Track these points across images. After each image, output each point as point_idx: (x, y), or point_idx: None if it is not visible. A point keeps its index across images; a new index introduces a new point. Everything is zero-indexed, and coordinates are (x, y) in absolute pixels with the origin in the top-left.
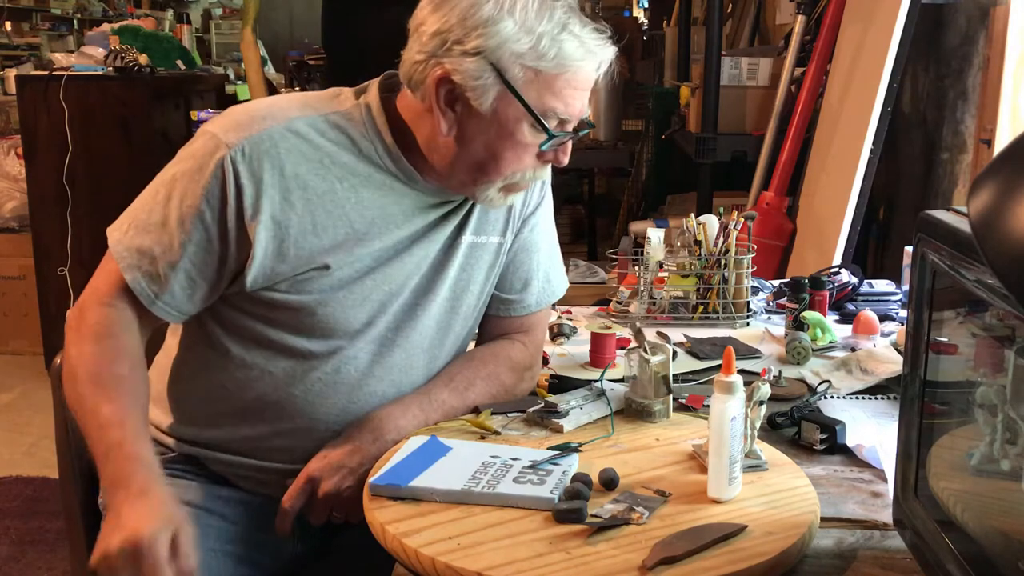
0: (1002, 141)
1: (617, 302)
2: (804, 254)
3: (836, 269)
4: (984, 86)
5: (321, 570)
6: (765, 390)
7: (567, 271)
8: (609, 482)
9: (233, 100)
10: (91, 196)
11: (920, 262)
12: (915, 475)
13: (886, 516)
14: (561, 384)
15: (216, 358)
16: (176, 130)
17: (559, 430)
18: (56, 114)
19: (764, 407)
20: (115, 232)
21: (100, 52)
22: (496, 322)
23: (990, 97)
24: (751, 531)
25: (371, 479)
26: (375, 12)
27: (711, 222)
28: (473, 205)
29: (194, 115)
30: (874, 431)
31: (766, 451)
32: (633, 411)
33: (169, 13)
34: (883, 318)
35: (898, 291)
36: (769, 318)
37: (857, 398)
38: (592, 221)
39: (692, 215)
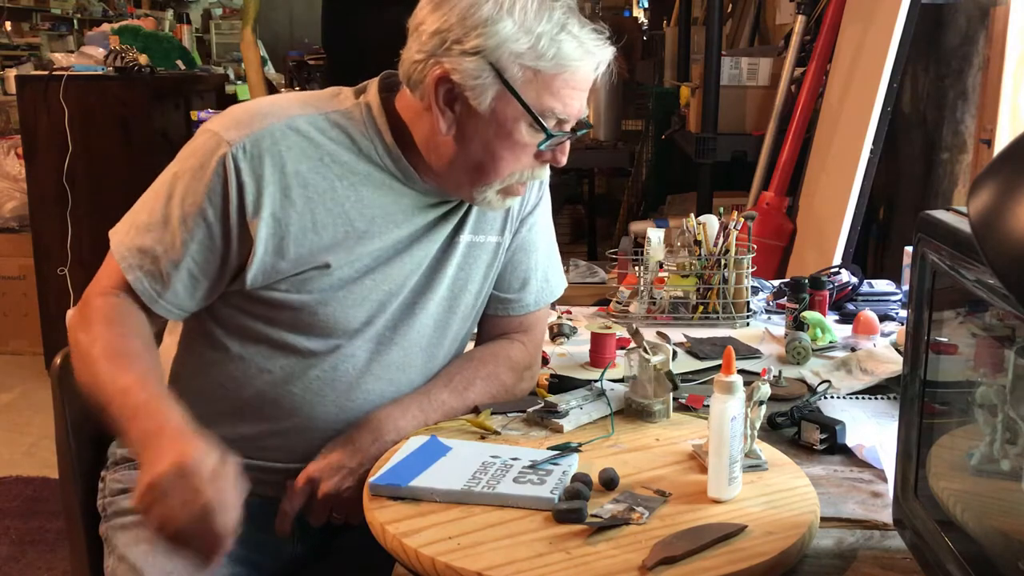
0: (1002, 141)
1: (617, 302)
2: (804, 254)
3: (836, 269)
4: (984, 86)
5: (321, 571)
6: (765, 390)
7: (567, 271)
8: (609, 482)
9: (233, 100)
10: (91, 196)
11: (920, 262)
12: (915, 475)
13: (886, 516)
14: (561, 384)
15: (215, 356)
16: (176, 130)
17: (559, 430)
18: (56, 114)
19: (764, 407)
20: (117, 234)
21: (100, 52)
22: (495, 322)
23: (990, 97)
24: (751, 531)
25: (371, 479)
26: (375, 12)
27: (711, 222)
28: (471, 204)
29: (194, 115)
30: (874, 431)
31: (766, 451)
32: (633, 411)
33: (169, 13)
34: (883, 318)
35: (898, 291)
36: (769, 318)
37: (857, 398)
38: (592, 221)
39: (692, 215)
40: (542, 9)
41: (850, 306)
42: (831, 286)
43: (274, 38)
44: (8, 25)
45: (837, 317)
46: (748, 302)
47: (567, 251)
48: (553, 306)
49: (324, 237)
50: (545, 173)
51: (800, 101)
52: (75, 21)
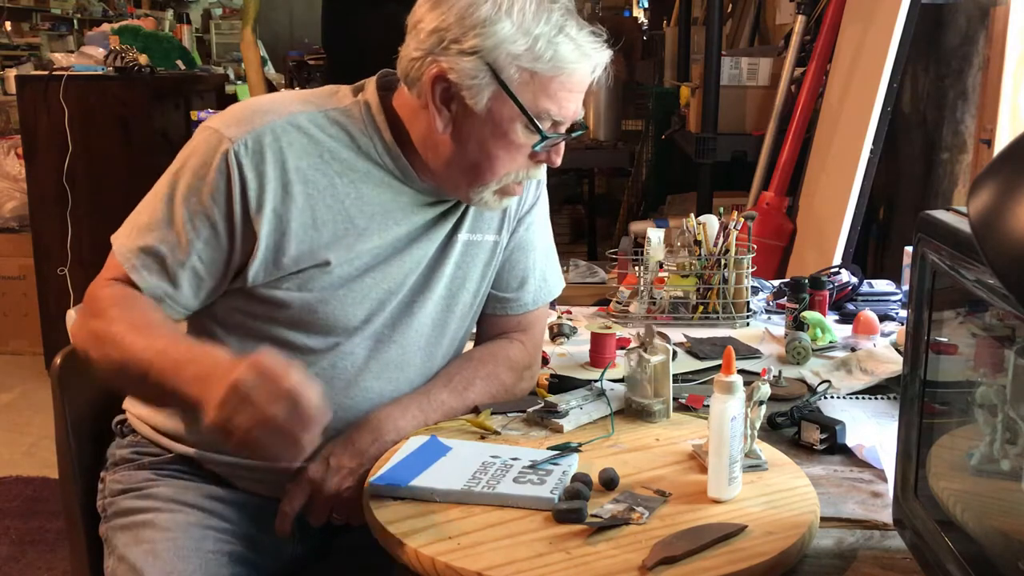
0: (1002, 141)
1: (617, 302)
2: (804, 254)
3: (836, 269)
4: (984, 86)
5: (321, 571)
6: (765, 390)
7: (567, 271)
8: (609, 482)
9: (233, 100)
10: (91, 196)
11: (920, 262)
12: (915, 475)
13: (886, 516)
14: (561, 384)
15: None
16: (176, 130)
17: (559, 430)
18: (56, 114)
19: (764, 407)
20: (118, 238)
21: (100, 52)
22: (494, 321)
23: (990, 97)
24: (751, 531)
25: (371, 479)
26: (375, 12)
27: (711, 222)
28: (469, 204)
29: (194, 115)
30: (874, 431)
31: (766, 451)
32: (633, 411)
33: (169, 13)
34: (883, 318)
35: (898, 291)
36: (769, 318)
37: (857, 398)
38: (592, 221)
39: (692, 215)
40: (540, 11)
41: (850, 306)
42: (831, 286)
43: (274, 38)
44: (8, 25)
45: (837, 317)
46: (748, 302)
47: (567, 251)
48: (553, 306)
49: (324, 234)
50: (540, 173)
51: (800, 101)
52: (75, 21)
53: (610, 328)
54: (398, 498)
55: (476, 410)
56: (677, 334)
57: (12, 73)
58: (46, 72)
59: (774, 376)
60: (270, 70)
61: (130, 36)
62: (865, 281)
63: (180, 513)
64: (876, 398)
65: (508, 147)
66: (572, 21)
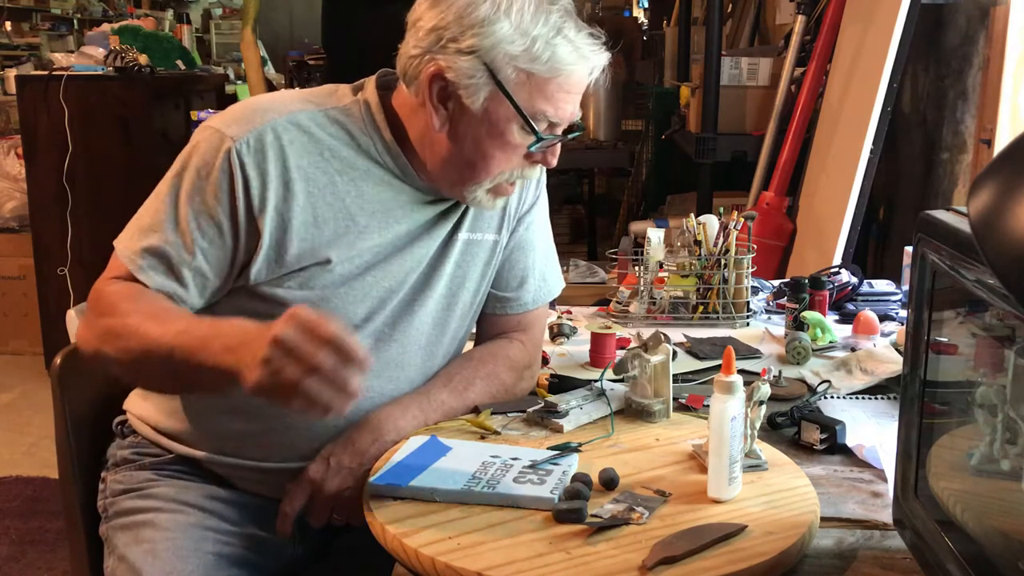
0: (1002, 141)
1: (617, 302)
2: (804, 254)
3: (836, 269)
4: (984, 86)
5: (321, 571)
6: (765, 390)
7: (567, 271)
8: (609, 482)
9: (233, 100)
10: (91, 196)
11: (920, 262)
12: (915, 475)
13: (886, 516)
14: (561, 384)
15: None
16: (176, 130)
17: (559, 430)
18: (56, 114)
19: (764, 407)
20: (121, 241)
21: (100, 52)
22: (493, 320)
23: (990, 97)
24: (751, 531)
25: (371, 479)
26: (375, 12)
27: (711, 222)
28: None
29: (194, 115)
30: (874, 431)
31: (766, 451)
32: (633, 411)
33: (169, 13)
34: (883, 318)
35: (898, 291)
36: (769, 318)
37: (857, 398)
38: (592, 221)
39: (692, 215)
40: (539, 12)
41: (850, 306)
42: (831, 286)
43: (274, 38)
44: (8, 25)
45: (837, 317)
46: (748, 302)
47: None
48: (553, 306)
49: (325, 232)
50: (535, 173)
51: (800, 101)
52: (75, 21)
53: (610, 328)
54: (398, 498)
55: (476, 410)
56: (677, 334)
57: (12, 73)
58: (46, 72)
59: (774, 376)
60: (270, 70)
61: (130, 36)
62: (865, 281)
63: (180, 514)
64: (876, 398)
65: (503, 147)
66: (571, 22)
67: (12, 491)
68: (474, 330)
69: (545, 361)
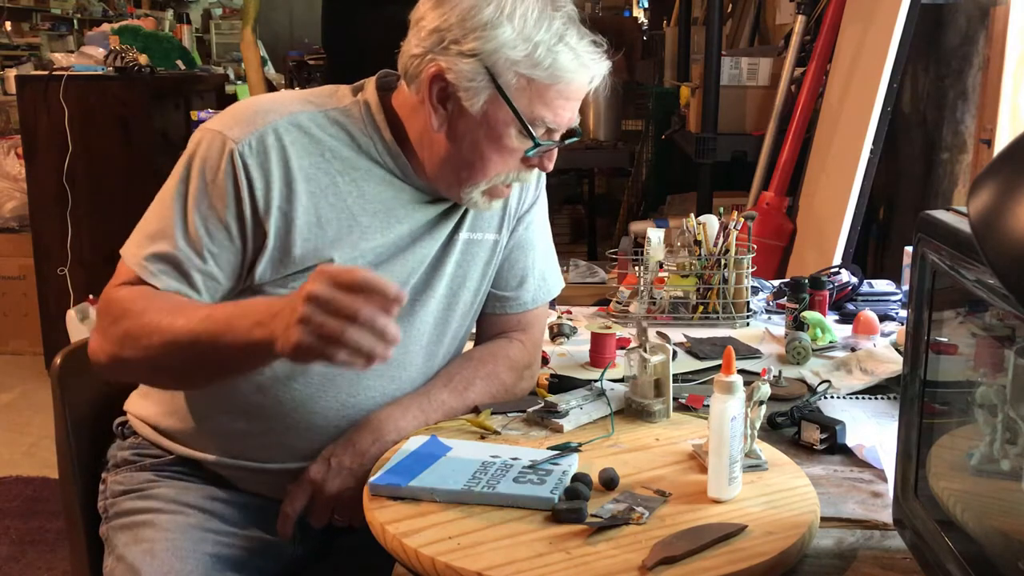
0: (1002, 141)
1: (617, 302)
2: (804, 254)
3: (836, 269)
4: (984, 86)
5: (321, 571)
6: (765, 390)
7: (567, 271)
8: (609, 482)
9: (233, 100)
10: (91, 196)
11: (920, 262)
12: (915, 475)
13: (886, 516)
14: (561, 384)
15: None
16: (176, 130)
17: (559, 430)
18: (56, 114)
19: (764, 407)
20: (129, 247)
21: (100, 52)
22: (493, 320)
23: (990, 97)
24: (751, 531)
25: (371, 479)
26: (375, 12)
27: (711, 222)
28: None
29: (194, 115)
30: (874, 431)
31: (766, 451)
32: (633, 411)
33: (169, 13)
34: (883, 318)
35: (898, 291)
36: (769, 318)
37: (857, 398)
38: (592, 221)
39: (692, 215)
40: (542, 18)
41: (850, 306)
42: (831, 286)
43: (274, 38)
44: (8, 25)
45: (837, 317)
46: (748, 302)
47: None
48: (553, 306)
49: (328, 232)
50: (532, 176)
51: (800, 101)
52: (75, 21)
53: (610, 328)
54: (398, 498)
55: (476, 410)
56: (677, 334)
57: (12, 73)
58: (46, 72)
59: (774, 376)
60: (270, 70)
61: (130, 36)
62: (865, 281)
63: (180, 515)
64: (876, 398)
65: (501, 150)
66: (574, 29)
67: (12, 491)
68: (474, 330)
69: (545, 361)
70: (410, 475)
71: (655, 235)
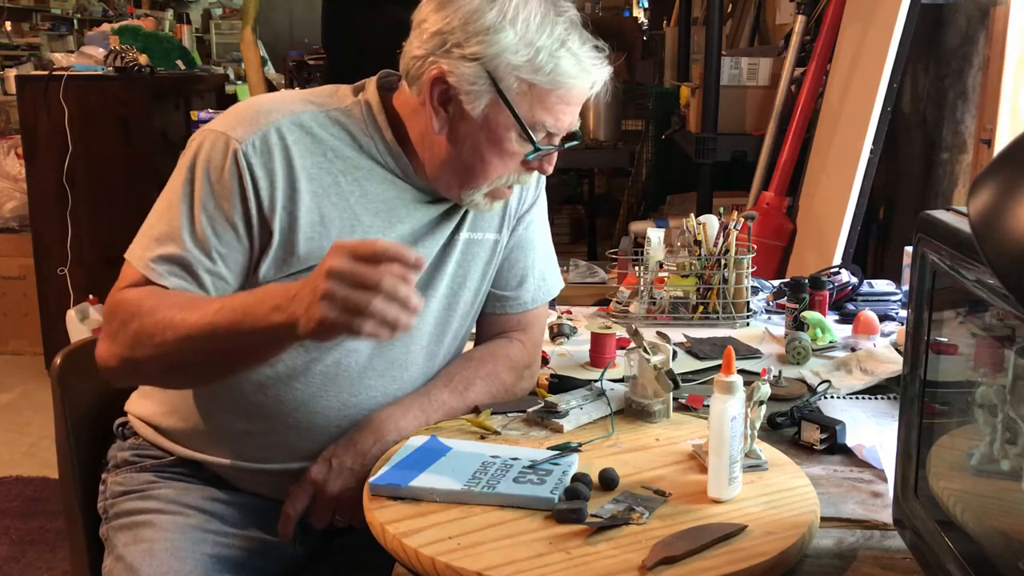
0: (1002, 141)
1: (617, 302)
2: (804, 254)
3: (836, 269)
4: (984, 86)
5: (321, 571)
6: (765, 390)
7: (567, 271)
8: (609, 482)
9: (233, 100)
10: (91, 196)
11: (920, 262)
12: (915, 475)
13: (886, 516)
14: (561, 384)
15: None
16: (176, 130)
17: (559, 430)
18: (56, 114)
19: (764, 407)
20: (135, 250)
21: (100, 52)
22: (493, 320)
23: (990, 97)
24: (751, 531)
25: (371, 479)
26: (375, 12)
27: (711, 222)
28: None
29: (194, 115)
30: (874, 431)
31: (766, 451)
32: (633, 411)
33: (169, 13)
34: (883, 318)
35: (898, 291)
36: (769, 318)
37: (857, 398)
38: (592, 221)
39: (692, 215)
40: (545, 23)
41: (850, 306)
42: (831, 286)
43: (274, 38)
44: (8, 25)
45: (837, 317)
46: (748, 302)
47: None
48: (553, 306)
49: (331, 231)
50: (532, 178)
51: (800, 101)
52: (75, 21)
53: (610, 328)
54: (398, 498)
55: (476, 410)
56: (677, 334)
57: (12, 73)
58: (46, 72)
59: (774, 376)
60: (270, 70)
61: (130, 36)
62: (865, 281)
63: (180, 516)
64: (876, 398)
65: (501, 154)
66: (576, 35)
67: (12, 491)
68: (474, 330)
69: (545, 361)
70: (410, 475)
71: (655, 235)
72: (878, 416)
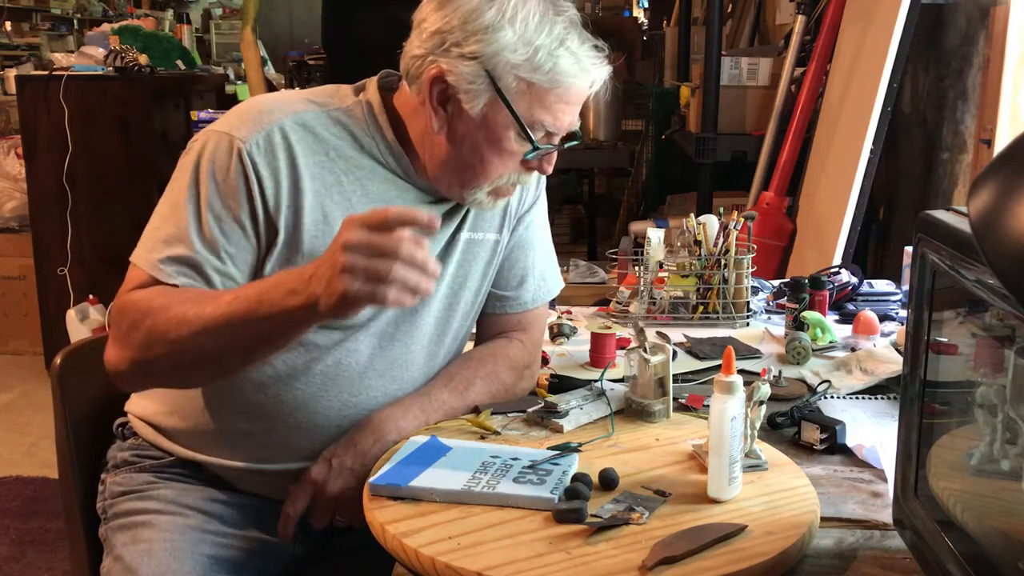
0: (1002, 141)
1: (617, 302)
2: (804, 254)
3: (836, 269)
4: (984, 86)
5: (321, 571)
6: (765, 390)
7: (567, 271)
8: (609, 482)
9: (233, 100)
10: (91, 196)
11: (920, 262)
12: (915, 475)
13: (886, 516)
14: (561, 384)
15: None
16: (176, 130)
17: (559, 430)
18: (56, 114)
19: (764, 407)
20: (142, 253)
21: (100, 52)
22: (493, 320)
23: (990, 97)
24: (751, 531)
25: (371, 479)
26: (375, 12)
27: (711, 222)
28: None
29: (194, 115)
30: (874, 431)
31: (766, 451)
32: (633, 411)
33: (169, 13)
34: (883, 318)
35: (898, 291)
36: (769, 318)
37: (857, 398)
38: (592, 221)
39: (692, 215)
40: (544, 22)
41: (850, 306)
42: (831, 286)
43: (274, 38)
44: (8, 25)
45: (837, 317)
46: (748, 302)
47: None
48: (553, 306)
49: (334, 229)
50: (531, 178)
51: (800, 101)
52: (75, 21)
53: (610, 328)
54: (398, 498)
55: (476, 410)
56: (677, 334)
57: (12, 73)
58: (46, 72)
59: (774, 376)
60: (270, 70)
61: (130, 36)
62: (865, 281)
63: (180, 516)
64: (876, 398)
65: (500, 153)
66: (575, 34)
67: (12, 491)
68: (474, 330)
69: (545, 361)
70: (410, 475)
71: (655, 235)
72: (878, 416)
